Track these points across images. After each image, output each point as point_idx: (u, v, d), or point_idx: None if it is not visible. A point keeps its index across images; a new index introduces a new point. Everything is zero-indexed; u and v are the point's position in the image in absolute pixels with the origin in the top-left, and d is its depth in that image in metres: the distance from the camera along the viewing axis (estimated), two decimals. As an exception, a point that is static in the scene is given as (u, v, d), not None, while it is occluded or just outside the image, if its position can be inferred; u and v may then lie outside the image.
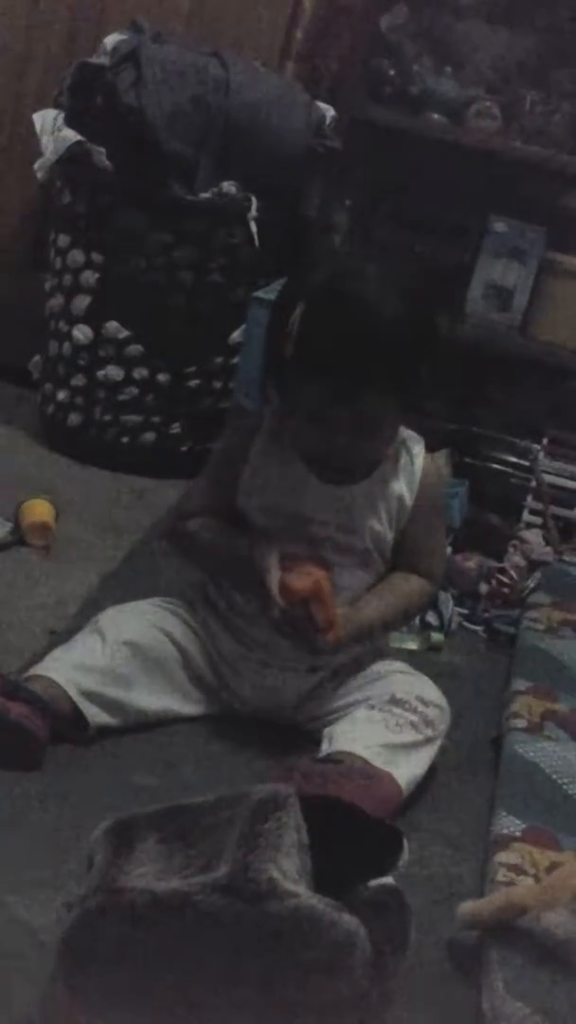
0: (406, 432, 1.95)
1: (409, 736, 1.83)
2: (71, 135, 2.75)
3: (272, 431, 1.94)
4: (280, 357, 1.84)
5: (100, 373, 2.83)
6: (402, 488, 1.94)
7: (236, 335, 2.83)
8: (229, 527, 1.94)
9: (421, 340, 1.85)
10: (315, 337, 1.81)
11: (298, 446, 1.91)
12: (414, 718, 1.85)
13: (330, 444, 1.86)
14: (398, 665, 1.99)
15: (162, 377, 2.82)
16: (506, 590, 2.57)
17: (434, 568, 2.00)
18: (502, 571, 2.60)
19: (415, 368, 1.85)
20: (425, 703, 1.88)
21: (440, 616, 2.44)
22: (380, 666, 1.97)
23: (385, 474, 1.93)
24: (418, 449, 1.96)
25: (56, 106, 2.86)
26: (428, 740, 1.85)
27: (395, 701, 1.87)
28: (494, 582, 2.58)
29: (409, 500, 1.94)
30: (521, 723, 2.01)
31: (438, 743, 1.88)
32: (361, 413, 1.82)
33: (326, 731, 1.88)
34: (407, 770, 1.79)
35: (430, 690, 1.93)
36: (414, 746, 1.83)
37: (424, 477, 1.95)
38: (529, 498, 2.94)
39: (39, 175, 2.85)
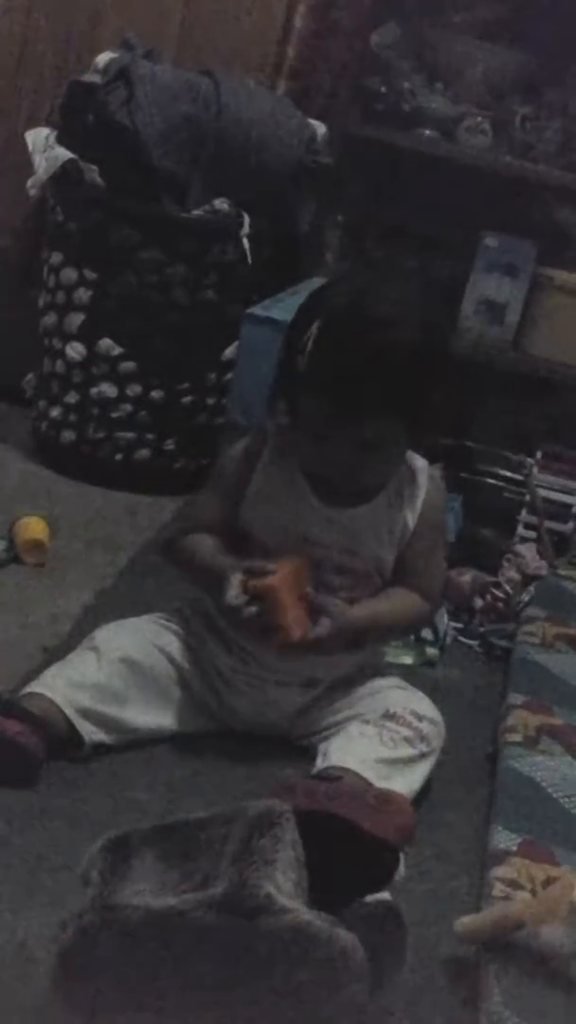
0: (413, 456, 1.96)
1: (404, 751, 1.83)
2: (63, 153, 2.76)
3: (276, 450, 1.94)
4: (292, 375, 1.85)
5: (94, 390, 2.83)
6: (406, 513, 1.94)
7: (229, 352, 2.84)
8: (222, 548, 1.93)
9: (433, 365, 1.86)
10: (329, 355, 1.81)
11: (304, 465, 1.91)
12: (409, 733, 1.85)
13: (337, 464, 1.86)
14: (392, 680, 1.99)
15: (156, 394, 2.83)
16: (501, 604, 2.57)
17: (431, 589, 1.98)
18: (496, 585, 2.60)
19: (426, 393, 1.86)
20: (420, 718, 1.88)
21: (435, 631, 2.44)
22: (375, 681, 1.97)
23: (390, 498, 1.93)
24: (424, 473, 1.96)
25: (48, 124, 2.87)
26: (423, 755, 1.85)
27: (389, 716, 1.87)
28: (489, 596, 2.58)
29: (412, 523, 1.94)
30: (517, 737, 2.01)
31: (433, 758, 1.87)
32: (370, 434, 1.83)
33: (320, 746, 1.88)
34: (403, 785, 1.78)
35: (425, 705, 1.93)
36: (409, 761, 1.83)
37: (427, 499, 1.95)
38: (523, 512, 2.95)
39: (31, 193, 2.85)
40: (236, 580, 1.83)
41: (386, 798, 1.68)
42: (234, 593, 1.82)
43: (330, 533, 1.91)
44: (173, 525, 2.05)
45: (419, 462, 1.97)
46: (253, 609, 1.82)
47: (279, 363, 1.91)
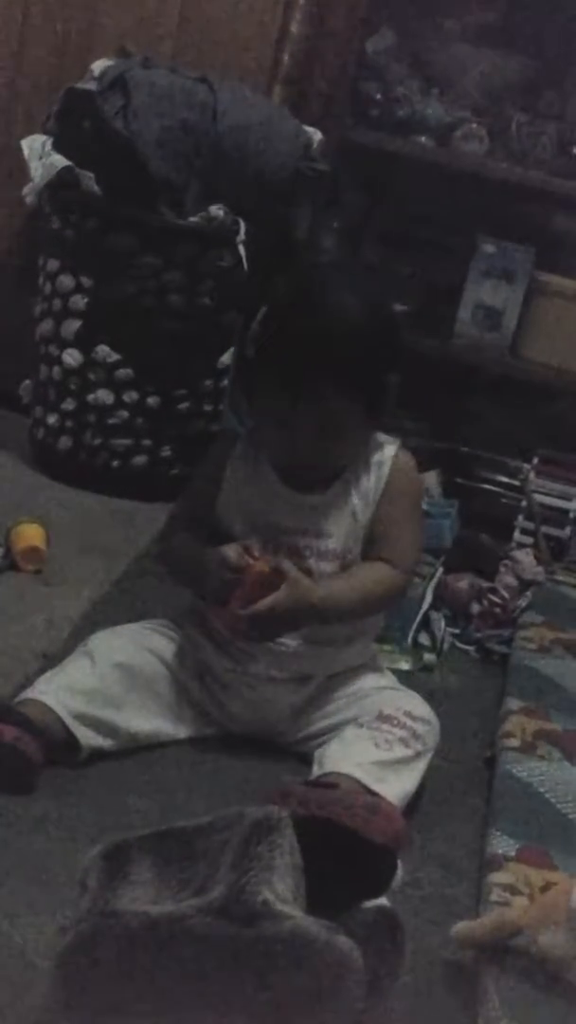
0: (379, 436, 1.97)
1: (399, 752, 1.83)
2: (60, 160, 2.75)
3: (248, 445, 1.97)
4: (245, 361, 1.88)
5: (90, 397, 2.83)
6: (371, 482, 1.94)
7: (225, 358, 2.83)
8: (205, 543, 1.94)
9: (380, 345, 1.88)
10: (271, 339, 1.86)
11: (264, 451, 1.94)
12: (403, 733, 1.85)
13: (292, 448, 1.89)
14: (385, 681, 2.00)
15: (152, 400, 2.83)
16: (498, 610, 2.57)
17: (401, 557, 1.95)
18: (494, 591, 2.60)
19: (375, 373, 1.87)
20: (413, 718, 1.88)
21: (432, 636, 2.44)
22: (368, 682, 1.98)
23: (357, 473, 1.95)
24: (390, 446, 1.97)
25: (44, 132, 2.86)
26: (418, 755, 1.85)
27: (383, 718, 1.87)
28: (486, 602, 2.58)
29: (378, 491, 1.94)
30: (514, 743, 2.01)
31: (428, 757, 1.88)
32: (319, 415, 1.84)
33: (316, 753, 1.88)
34: (398, 786, 1.79)
35: (418, 705, 1.93)
36: (404, 762, 1.83)
37: (394, 467, 1.95)
38: (520, 518, 2.95)
39: (28, 200, 2.85)
40: (239, 547, 1.86)
41: (374, 808, 1.68)
42: (234, 554, 1.84)
43: (302, 519, 1.92)
44: (162, 531, 2.07)
45: (384, 437, 1.98)
46: (229, 576, 1.84)
47: (235, 351, 1.94)
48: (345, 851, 1.40)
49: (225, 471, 1.96)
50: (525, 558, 2.75)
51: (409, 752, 1.84)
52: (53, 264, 2.84)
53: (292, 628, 1.89)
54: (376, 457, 1.95)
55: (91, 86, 2.78)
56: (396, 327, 1.96)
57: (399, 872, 1.50)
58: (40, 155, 2.80)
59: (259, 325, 1.88)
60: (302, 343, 1.82)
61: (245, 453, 1.96)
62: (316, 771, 1.83)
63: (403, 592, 2.03)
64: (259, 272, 2.77)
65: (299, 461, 1.91)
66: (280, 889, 1.28)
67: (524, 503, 2.95)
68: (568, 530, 2.95)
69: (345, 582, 1.92)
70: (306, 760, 1.90)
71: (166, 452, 2.88)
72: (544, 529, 2.91)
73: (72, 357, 2.83)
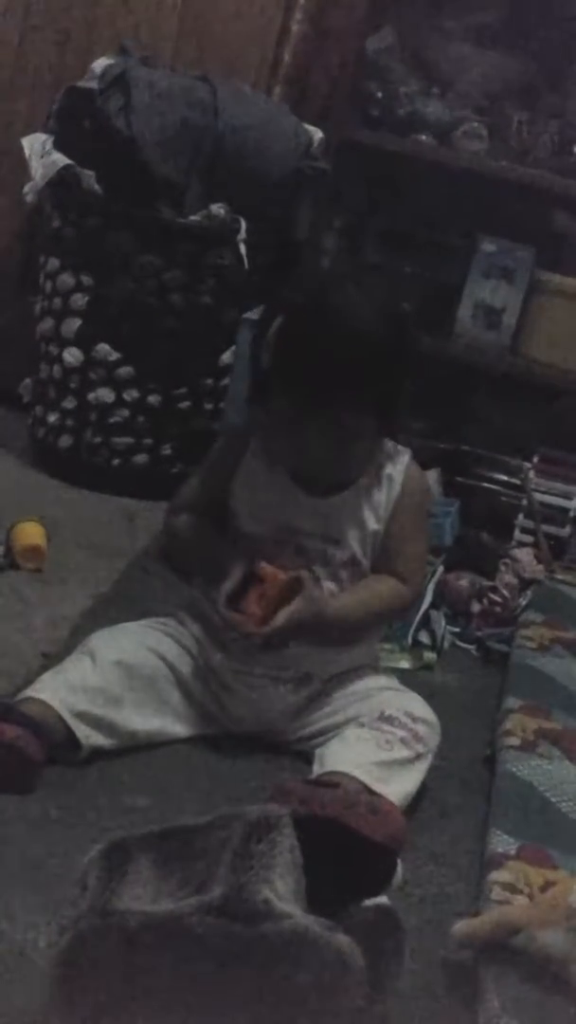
0: (392, 445, 1.98)
1: (400, 753, 1.83)
2: (60, 159, 2.76)
3: (260, 444, 1.97)
4: (260, 371, 1.88)
5: (91, 395, 2.83)
6: (383, 494, 1.95)
7: (226, 356, 2.84)
8: (212, 528, 1.97)
9: (396, 355, 1.88)
10: (289, 349, 1.86)
11: (279, 458, 1.94)
12: (404, 734, 1.85)
13: (307, 457, 1.89)
14: (386, 681, 2.00)
15: (153, 399, 2.83)
16: (498, 608, 2.57)
17: (411, 573, 1.98)
18: (494, 590, 2.60)
19: (391, 383, 1.88)
20: (414, 719, 1.89)
21: (432, 635, 2.44)
22: (369, 682, 1.98)
23: (369, 482, 1.95)
24: (403, 458, 1.98)
25: (45, 130, 2.86)
26: (419, 756, 1.86)
27: (384, 718, 1.87)
28: (486, 601, 2.58)
29: (391, 504, 1.95)
30: (514, 741, 2.01)
31: (429, 759, 1.88)
32: (334, 425, 1.85)
33: (317, 752, 1.88)
34: (399, 787, 1.79)
35: (419, 706, 1.93)
36: (405, 762, 1.83)
37: (407, 482, 1.96)
38: (520, 516, 2.95)
39: (28, 199, 2.85)
40: (237, 574, 1.87)
41: (374, 807, 1.68)
42: (230, 586, 1.86)
43: (313, 522, 1.93)
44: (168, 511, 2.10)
45: (396, 447, 1.99)
46: (231, 613, 1.86)
47: (250, 360, 1.94)
48: (345, 850, 1.40)
49: (237, 468, 1.97)
50: (525, 557, 2.75)
51: (410, 753, 1.84)
52: (53, 263, 2.85)
53: (301, 638, 1.90)
54: (388, 469, 1.96)
55: (92, 85, 2.78)
56: (411, 339, 1.97)
57: (399, 871, 1.50)
58: (41, 153, 2.80)
59: (274, 336, 1.88)
60: (319, 356, 1.82)
61: (259, 450, 1.97)
62: (317, 770, 1.83)
63: (411, 606, 2.04)
64: (260, 271, 2.77)
65: (314, 466, 1.91)
66: (280, 888, 1.28)
67: (524, 502, 2.95)
68: (568, 529, 2.95)
69: (356, 596, 1.94)
70: (307, 759, 1.91)
71: (167, 450, 2.88)
72: (544, 528, 2.91)
73: (72, 355, 2.83)
